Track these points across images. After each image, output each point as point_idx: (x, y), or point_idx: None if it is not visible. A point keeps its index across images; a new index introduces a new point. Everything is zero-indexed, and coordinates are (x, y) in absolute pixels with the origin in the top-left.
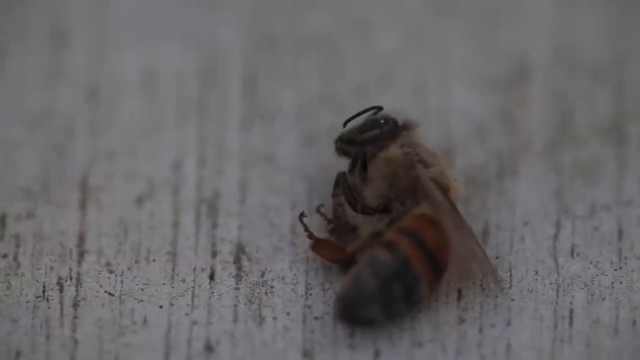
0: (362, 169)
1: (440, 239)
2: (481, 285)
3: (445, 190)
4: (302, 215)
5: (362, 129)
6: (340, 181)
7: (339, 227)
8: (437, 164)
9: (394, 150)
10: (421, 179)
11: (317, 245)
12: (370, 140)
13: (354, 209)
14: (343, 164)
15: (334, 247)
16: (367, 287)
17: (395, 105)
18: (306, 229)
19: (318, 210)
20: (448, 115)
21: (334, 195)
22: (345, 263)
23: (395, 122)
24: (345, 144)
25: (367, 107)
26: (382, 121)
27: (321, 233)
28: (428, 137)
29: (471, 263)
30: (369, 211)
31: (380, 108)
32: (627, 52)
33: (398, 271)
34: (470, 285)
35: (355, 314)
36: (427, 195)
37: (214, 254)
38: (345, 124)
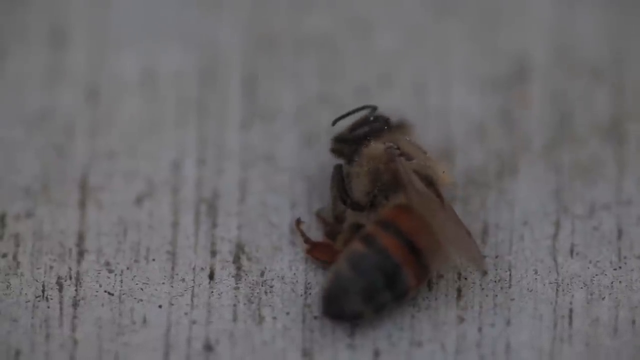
0: (349, 166)
1: (419, 227)
2: (461, 267)
3: (429, 181)
4: (298, 221)
5: (352, 127)
6: (334, 174)
7: (336, 229)
8: (421, 157)
9: (375, 146)
10: (400, 169)
11: (314, 249)
12: (360, 138)
13: (344, 202)
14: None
15: (330, 250)
16: (346, 280)
17: (395, 105)
18: (302, 234)
19: (317, 215)
20: (448, 115)
21: (332, 188)
22: None
23: (385, 120)
24: (338, 142)
25: (359, 106)
26: (371, 119)
27: (319, 235)
28: (428, 137)
29: (449, 246)
30: (357, 207)
31: (374, 107)
32: (626, 52)
33: (377, 262)
34: (448, 268)
35: (339, 308)
36: (405, 183)
37: (213, 254)
38: (334, 123)
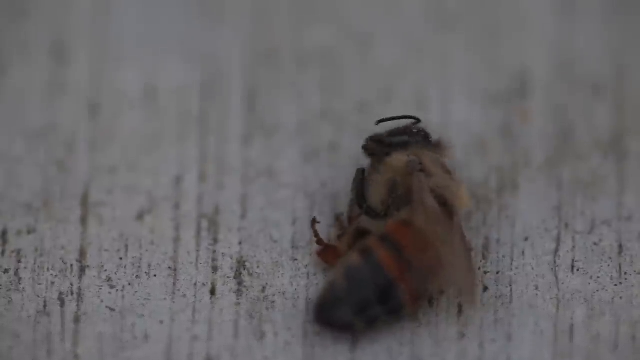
0: (372, 171)
1: (421, 246)
2: (457, 296)
3: (443, 202)
4: (314, 220)
5: (392, 132)
6: (355, 177)
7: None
8: (441, 176)
9: (398, 157)
10: (415, 184)
11: (324, 251)
12: (396, 145)
13: (360, 206)
14: (345, 176)
15: (339, 254)
16: (339, 291)
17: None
18: (316, 235)
19: (337, 218)
20: (448, 130)
21: (352, 190)
22: None
23: (426, 135)
24: (372, 142)
25: (405, 114)
26: (414, 130)
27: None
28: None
29: (446, 271)
30: (372, 214)
31: (418, 120)
32: (627, 67)
33: (370, 276)
34: (442, 294)
35: (330, 317)
36: (416, 199)
37: (214, 269)
38: (378, 122)
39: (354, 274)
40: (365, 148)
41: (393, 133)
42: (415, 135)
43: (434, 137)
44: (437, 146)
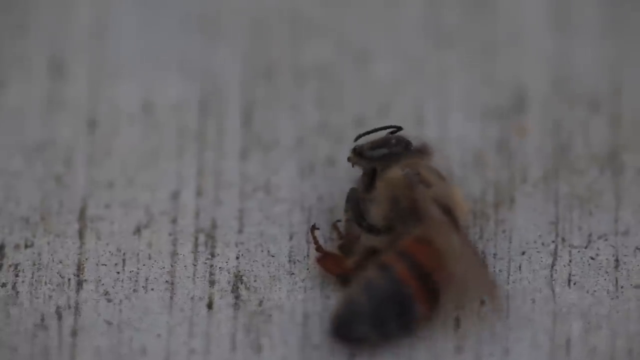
0: (369, 187)
1: (438, 261)
2: (480, 307)
3: (447, 210)
4: (313, 227)
5: (373, 145)
6: (350, 197)
7: (349, 243)
8: (440, 185)
9: (394, 172)
10: (419, 198)
11: (323, 258)
12: (377, 158)
13: (360, 225)
14: (342, 191)
15: (338, 262)
16: (359, 307)
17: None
18: (315, 242)
19: (334, 226)
20: (446, 145)
21: (346, 210)
22: (345, 278)
23: (407, 144)
24: (356, 156)
25: (386, 125)
26: (393, 141)
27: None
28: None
29: (468, 283)
30: (374, 230)
31: (399, 128)
32: (624, 83)
33: (390, 293)
34: (465, 307)
35: (348, 332)
36: (424, 213)
37: (211, 283)
38: (357, 139)
39: (374, 291)
40: (350, 160)
41: (373, 146)
42: (394, 146)
43: (416, 142)
44: (423, 152)
